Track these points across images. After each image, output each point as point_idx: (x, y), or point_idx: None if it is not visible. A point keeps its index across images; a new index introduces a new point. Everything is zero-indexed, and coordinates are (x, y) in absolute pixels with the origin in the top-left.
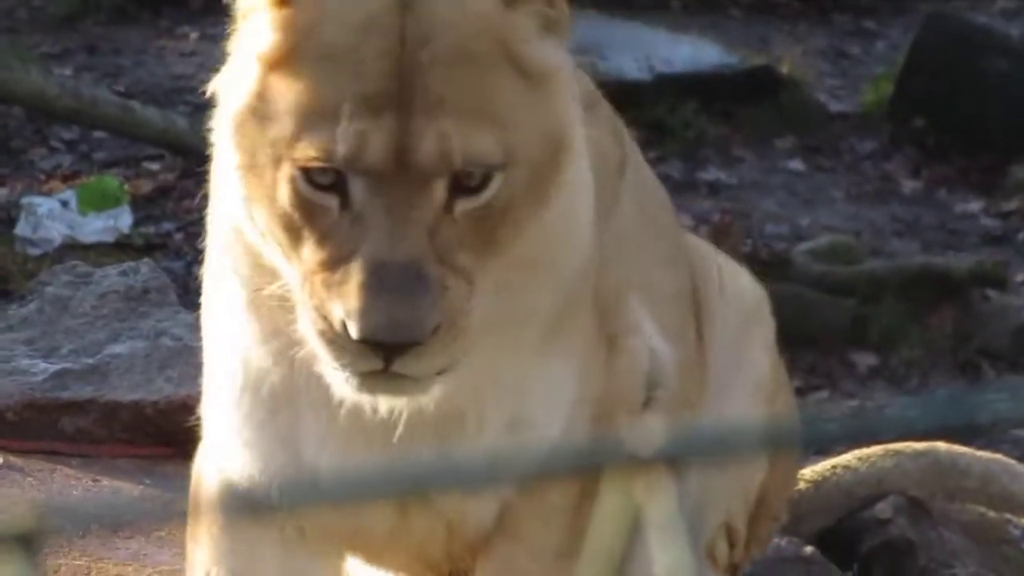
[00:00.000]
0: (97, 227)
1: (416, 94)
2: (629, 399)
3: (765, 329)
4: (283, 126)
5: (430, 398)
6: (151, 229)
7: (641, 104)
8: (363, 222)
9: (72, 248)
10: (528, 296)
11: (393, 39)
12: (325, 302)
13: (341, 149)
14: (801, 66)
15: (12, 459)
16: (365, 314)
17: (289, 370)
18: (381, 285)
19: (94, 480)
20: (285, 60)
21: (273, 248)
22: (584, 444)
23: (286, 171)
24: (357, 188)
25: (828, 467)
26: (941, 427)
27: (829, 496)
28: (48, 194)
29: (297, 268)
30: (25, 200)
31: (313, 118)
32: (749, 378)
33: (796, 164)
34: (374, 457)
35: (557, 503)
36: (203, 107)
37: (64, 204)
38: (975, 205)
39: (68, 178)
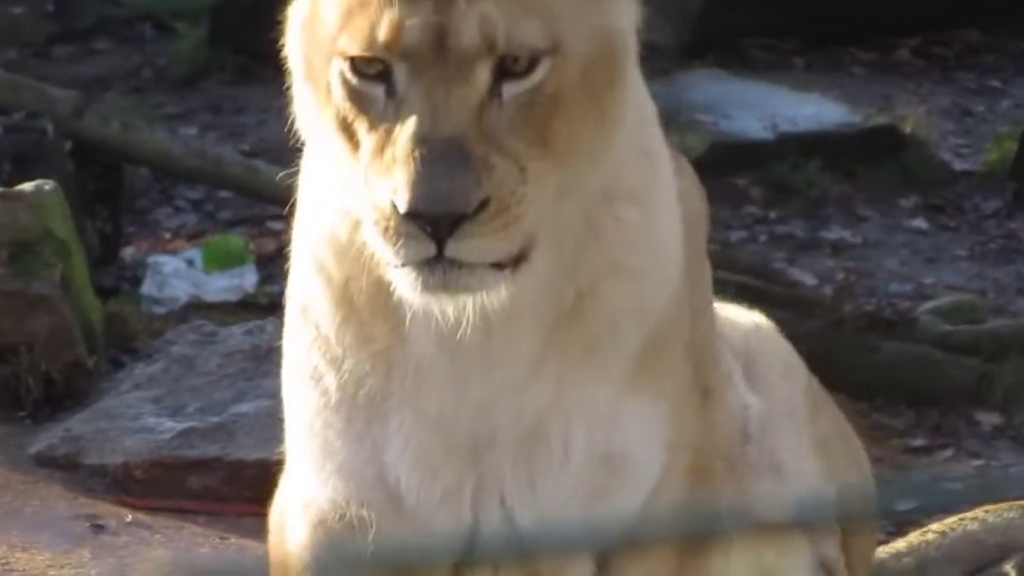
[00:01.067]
0: (222, 286)
1: None
2: (727, 451)
3: (773, 356)
4: (329, 25)
5: (491, 295)
6: (275, 288)
7: (764, 163)
8: (407, 105)
9: (197, 307)
10: (615, 300)
11: None
12: (376, 189)
13: (380, 35)
14: (924, 124)
15: (140, 516)
16: (409, 186)
17: (386, 372)
18: (423, 159)
19: (221, 538)
20: None
21: (339, 169)
22: (709, 507)
23: (335, 67)
24: (401, 74)
25: (955, 519)
26: None
27: (955, 545)
28: (173, 253)
29: (354, 168)
30: (150, 259)
31: (353, 11)
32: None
33: (919, 223)
34: (452, 470)
35: (658, 562)
36: None
37: (189, 263)
38: None
39: (193, 237)
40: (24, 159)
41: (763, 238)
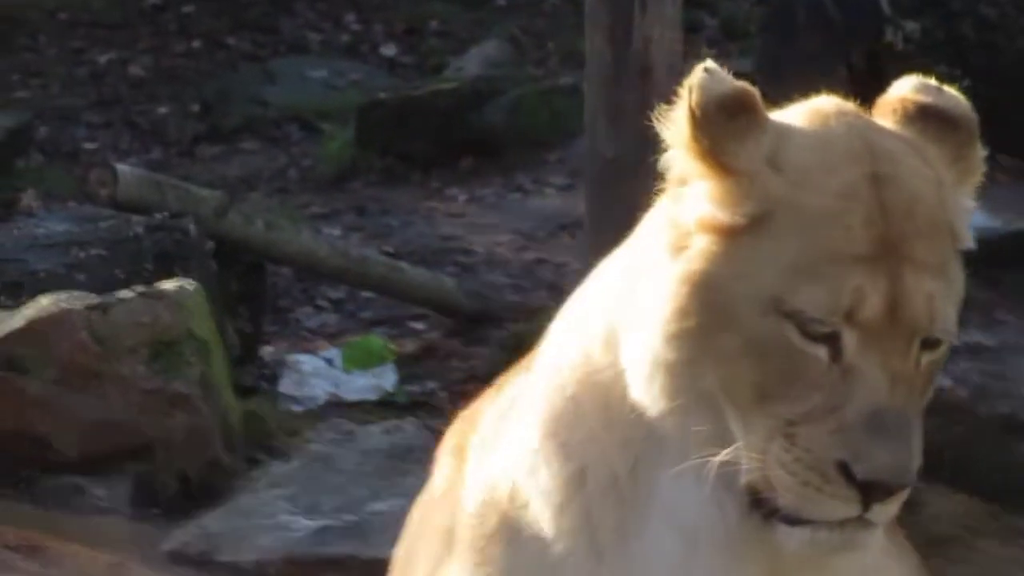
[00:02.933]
0: (361, 385)
1: (904, 259)
2: None
3: None
4: (768, 284)
5: (866, 551)
6: (415, 388)
7: None
8: (857, 372)
9: (336, 406)
10: None
11: (874, 208)
12: (813, 451)
13: (844, 302)
14: None
15: None
16: (874, 457)
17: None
18: (886, 430)
19: None
20: (755, 226)
21: (700, 411)
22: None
23: (772, 325)
24: (851, 341)
25: None
26: None
27: None
28: (313, 352)
29: (760, 423)
30: (290, 357)
31: (807, 276)
32: None
33: None
34: None
35: None
36: (471, 268)
37: (329, 362)
38: None
39: (333, 336)
40: (167, 258)
41: None
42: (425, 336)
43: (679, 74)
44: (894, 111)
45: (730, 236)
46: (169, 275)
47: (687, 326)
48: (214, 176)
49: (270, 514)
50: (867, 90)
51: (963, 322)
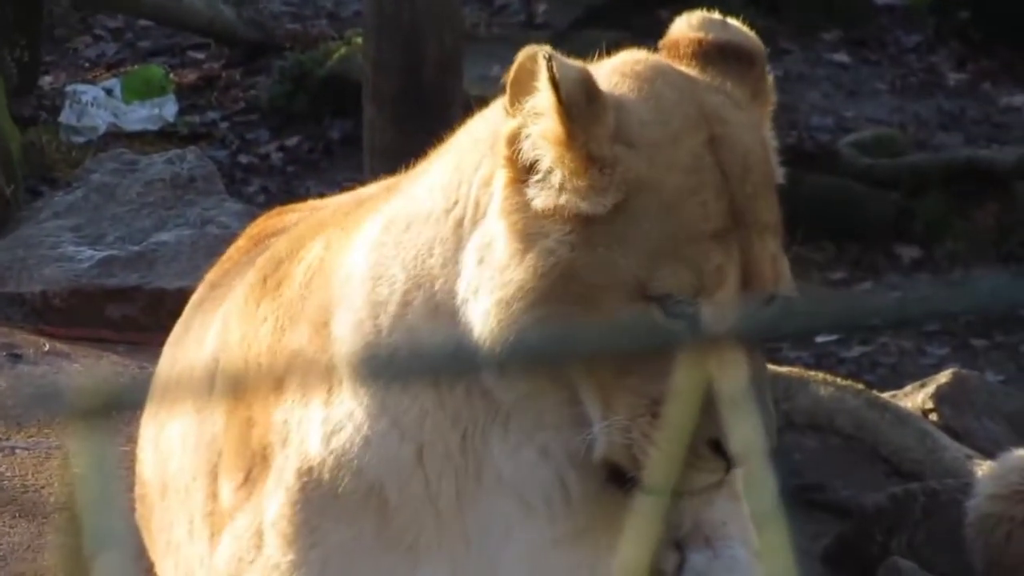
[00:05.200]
0: (142, 116)
1: (751, 226)
2: None
3: None
4: (632, 270)
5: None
6: (196, 118)
7: None
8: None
9: (116, 137)
10: None
11: (718, 175)
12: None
13: (707, 283)
14: None
15: (59, 346)
16: (743, 430)
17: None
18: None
19: (140, 367)
20: (613, 212)
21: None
22: (660, 325)
23: (637, 308)
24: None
25: None
26: (981, 313)
27: None
28: (93, 82)
29: (622, 401)
30: (69, 88)
31: (671, 259)
32: None
33: (841, 56)
34: None
35: None
36: None
37: (109, 92)
38: (1020, 98)
39: (113, 67)
40: None
41: None
42: (205, 66)
43: None
44: (694, 54)
45: (589, 224)
46: None
47: (545, 313)
48: None
49: (54, 245)
50: None
51: None
